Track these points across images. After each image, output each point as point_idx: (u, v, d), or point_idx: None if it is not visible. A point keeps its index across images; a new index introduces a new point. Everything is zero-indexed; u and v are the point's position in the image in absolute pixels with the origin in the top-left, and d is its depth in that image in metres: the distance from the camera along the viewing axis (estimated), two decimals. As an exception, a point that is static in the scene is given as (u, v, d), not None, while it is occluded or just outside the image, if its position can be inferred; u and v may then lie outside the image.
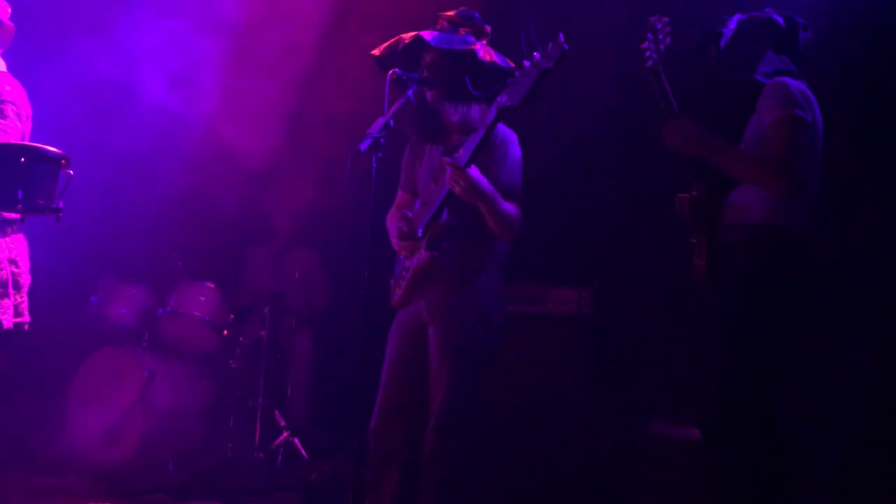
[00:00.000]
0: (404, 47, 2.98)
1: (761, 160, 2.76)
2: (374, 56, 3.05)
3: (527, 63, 2.67)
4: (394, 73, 2.85)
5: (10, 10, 3.15)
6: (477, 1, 3.25)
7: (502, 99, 2.71)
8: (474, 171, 2.77)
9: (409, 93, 2.85)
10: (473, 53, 2.90)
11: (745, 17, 2.97)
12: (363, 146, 2.67)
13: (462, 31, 3.01)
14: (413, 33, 2.97)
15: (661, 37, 2.92)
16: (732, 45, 2.94)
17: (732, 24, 2.96)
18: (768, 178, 2.74)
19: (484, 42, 3.04)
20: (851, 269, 3.72)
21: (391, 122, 2.75)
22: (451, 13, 3.04)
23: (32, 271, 3.16)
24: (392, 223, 3.07)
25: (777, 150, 2.72)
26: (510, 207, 2.88)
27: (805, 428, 3.39)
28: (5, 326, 2.89)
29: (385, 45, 3.03)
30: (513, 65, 2.94)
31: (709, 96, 3.29)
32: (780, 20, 2.94)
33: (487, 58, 2.91)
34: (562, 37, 2.62)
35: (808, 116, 2.75)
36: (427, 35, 2.93)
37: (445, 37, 2.94)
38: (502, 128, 2.98)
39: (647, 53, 2.91)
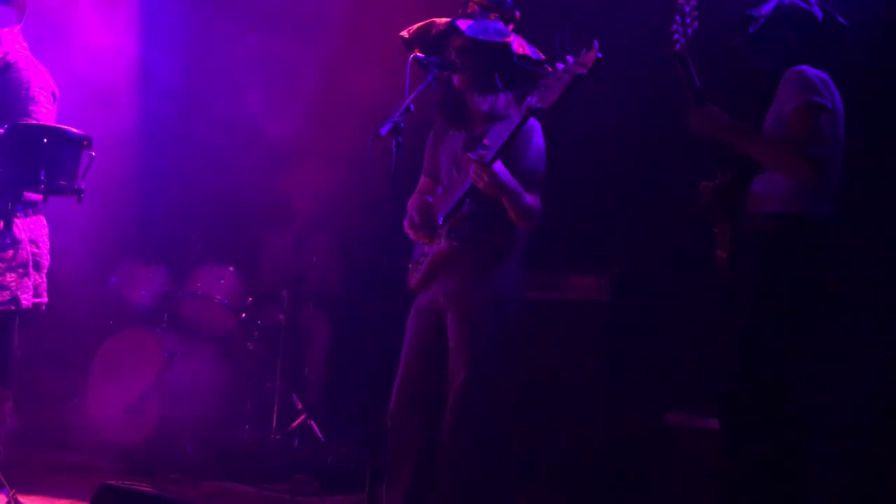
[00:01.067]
0: (437, 33, 2.95)
1: (785, 145, 2.73)
2: (402, 37, 3.03)
3: (560, 66, 2.66)
4: (415, 56, 2.84)
5: None
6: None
7: (532, 100, 2.71)
8: (499, 167, 2.77)
9: (430, 77, 2.84)
10: (508, 46, 2.88)
11: (787, 2, 2.88)
12: (383, 130, 2.67)
13: (493, 16, 2.99)
14: (447, 19, 2.94)
15: (688, 20, 2.86)
16: (762, 31, 2.88)
17: (767, 9, 2.90)
18: (791, 163, 2.71)
19: (511, 27, 3.02)
20: (872, 264, 3.68)
21: (412, 107, 2.75)
22: None
23: (54, 252, 3.18)
24: (409, 210, 3.07)
25: (798, 137, 2.69)
26: (531, 200, 2.88)
27: (822, 422, 3.36)
28: (24, 306, 2.91)
29: (416, 27, 3.01)
30: (543, 56, 2.92)
31: (732, 82, 3.24)
32: (819, 14, 2.86)
33: (521, 50, 2.89)
34: (596, 44, 2.61)
35: (829, 103, 2.71)
36: (462, 24, 2.90)
37: (480, 25, 2.92)
38: None
39: (676, 37, 2.84)
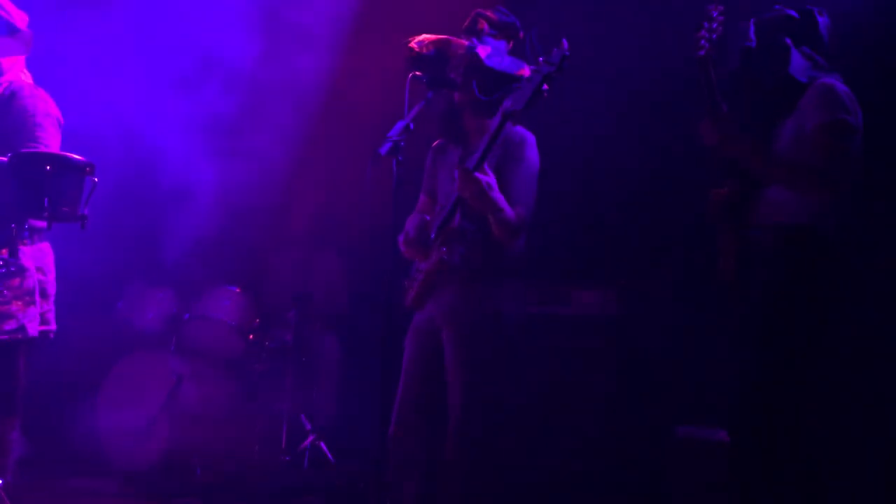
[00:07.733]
0: (439, 52, 2.96)
1: (802, 167, 2.67)
2: (408, 58, 3.02)
3: (531, 68, 2.71)
4: (414, 75, 2.86)
5: (27, 18, 3.18)
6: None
7: (507, 104, 2.73)
8: (483, 177, 2.75)
9: (429, 95, 2.85)
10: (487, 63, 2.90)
11: (759, 19, 2.89)
12: (383, 150, 2.69)
13: (500, 36, 3.01)
14: (449, 38, 2.97)
15: (714, 26, 2.79)
16: (758, 51, 2.87)
17: (751, 31, 2.88)
18: (808, 186, 2.67)
19: (511, 44, 3.03)
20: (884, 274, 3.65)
21: (411, 125, 2.76)
22: (490, 14, 3.04)
23: (60, 278, 3.18)
24: (406, 226, 3.07)
25: (822, 157, 2.64)
26: (512, 214, 2.84)
27: (835, 435, 3.33)
28: (31, 334, 2.91)
29: (422, 42, 3.00)
30: (525, 65, 2.94)
31: (743, 97, 3.23)
32: (793, 13, 2.87)
33: (495, 62, 2.90)
34: (565, 42, 2.67)
35: (855, 121, 2.66)
36: (481, 50, 2.93)
37: (493, 50, 2.95)
38: (521, 130, 2.98)
39: (702, 42, 2.78)
